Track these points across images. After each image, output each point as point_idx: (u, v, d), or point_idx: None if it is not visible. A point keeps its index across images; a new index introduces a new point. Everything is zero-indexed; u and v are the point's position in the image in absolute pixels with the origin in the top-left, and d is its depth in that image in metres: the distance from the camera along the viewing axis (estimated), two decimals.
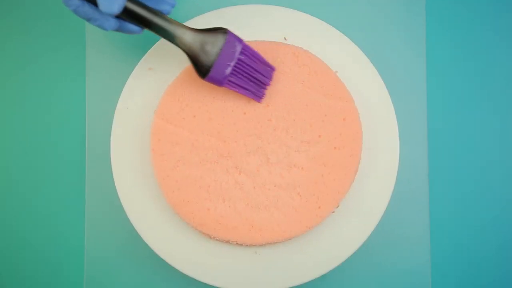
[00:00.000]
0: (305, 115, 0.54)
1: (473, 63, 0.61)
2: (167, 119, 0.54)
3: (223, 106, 0.54)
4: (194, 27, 0.50)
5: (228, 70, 0.49)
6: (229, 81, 0.50)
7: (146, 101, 0.56)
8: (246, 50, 0.50)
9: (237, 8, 0.56)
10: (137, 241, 0.57)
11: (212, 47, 0.49)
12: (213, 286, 0.56)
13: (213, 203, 0.53)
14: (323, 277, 0.57)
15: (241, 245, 0.55)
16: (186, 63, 0.54)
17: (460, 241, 0.60)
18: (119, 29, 0.48)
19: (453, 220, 0.60)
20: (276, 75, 0.54)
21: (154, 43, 0.56)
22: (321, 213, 0.53)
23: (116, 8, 0.45)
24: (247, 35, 0.56)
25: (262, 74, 0.52)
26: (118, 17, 0.47)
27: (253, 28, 0.57)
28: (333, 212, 0.55)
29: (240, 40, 0.50)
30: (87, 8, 0.46)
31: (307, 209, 0.53)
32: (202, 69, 0.49)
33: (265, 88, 0.53)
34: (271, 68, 0.53)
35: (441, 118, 0.60)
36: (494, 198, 0.60)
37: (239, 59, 0.50)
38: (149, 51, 0.56)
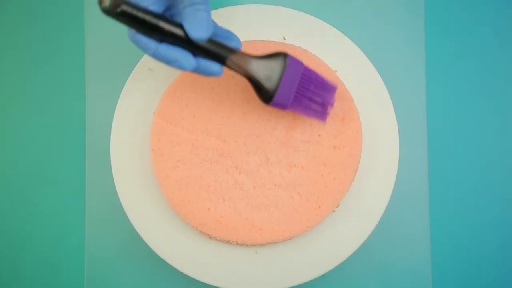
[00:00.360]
0: None
1: (472, 63, 0.61)
2: (167, 119, 0.54)
3: (223, 106, 0.54)
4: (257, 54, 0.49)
5: (292, 94, 0.49)
6: (293, 104, 0.50)
7: (146, 101, 0.56)
8: (307, 72, 0.50)
9: (237, 8, 0.56)
10: (137, 241, 0.57)
11: (274, 73, 0.48)
12: (213, 286, 0.56)
13: (213, 203, 0.53)
14: (323, 277, 0.57)
15: (241, 245, 0.55)
16: None
17: (460, 241, 0.60)
18: (197, 69, 0.46)
19: (453, 220, 0.60)
20: None
21: None
22: (321, 212, 0.53)
23: (205, 34, 0.43)
24: (247, 35, 0.56)
25: (324, 95, 0.51)
26: (195, 55, 0.46)
27: (253, 28, 0.57)
28: (333, 211, 0.55)
29: (300, 63, 0.49)
30: (165, 50, 0.44)
31: (307, 208, 0.53)
32: (266, 95, 0.49)
33: (328, 108, 0.52)
34: (333, 87, 0.51)
35: (441, 118, 0.60)
36: (494, 198, 0.60)
37: (301, 82, 0.49)
38: None
